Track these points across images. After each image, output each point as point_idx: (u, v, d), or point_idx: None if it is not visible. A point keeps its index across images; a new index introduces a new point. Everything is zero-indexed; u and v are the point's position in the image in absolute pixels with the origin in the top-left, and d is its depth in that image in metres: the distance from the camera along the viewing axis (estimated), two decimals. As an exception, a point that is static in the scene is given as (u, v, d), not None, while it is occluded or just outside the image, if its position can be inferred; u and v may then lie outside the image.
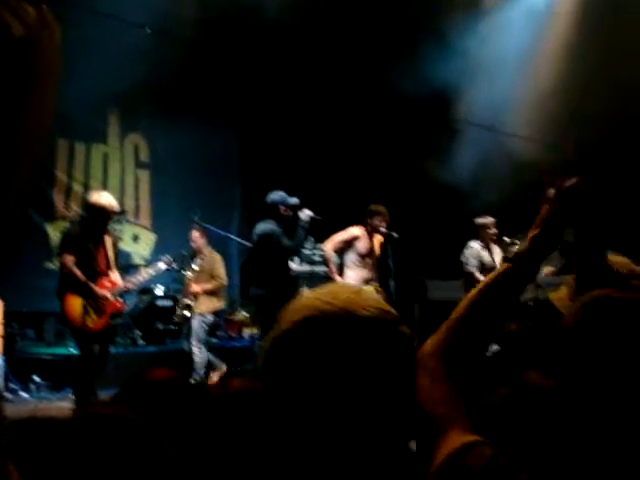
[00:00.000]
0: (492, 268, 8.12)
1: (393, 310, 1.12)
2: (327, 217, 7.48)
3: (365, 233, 7.68)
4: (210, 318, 8.19)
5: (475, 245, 8.21)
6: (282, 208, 7.07)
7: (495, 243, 8.33)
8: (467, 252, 8.20)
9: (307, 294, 1.15)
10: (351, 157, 10.57)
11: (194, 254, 8.41)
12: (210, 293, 8.30)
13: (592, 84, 8.36)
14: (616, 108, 8.35)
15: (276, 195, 7.17)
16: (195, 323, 8.03)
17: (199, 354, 7.90)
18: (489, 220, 8.23)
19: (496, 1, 9.38)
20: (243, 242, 10.26)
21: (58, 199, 9.81)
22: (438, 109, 9.87)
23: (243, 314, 10.25)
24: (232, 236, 10.15)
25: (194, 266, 8.29)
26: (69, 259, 6.23)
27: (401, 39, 9.30)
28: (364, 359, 1.02)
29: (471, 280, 8.11)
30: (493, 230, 8.20)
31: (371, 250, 7.73)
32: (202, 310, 8.12)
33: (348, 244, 7.64)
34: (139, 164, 10.77)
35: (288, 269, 7.46)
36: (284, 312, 1.12)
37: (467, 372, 1.30)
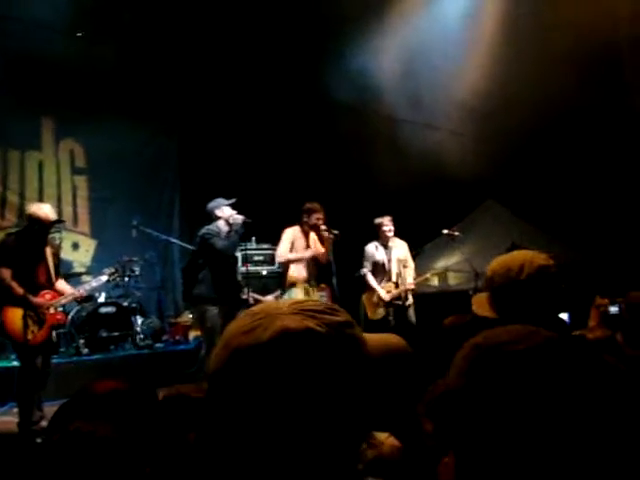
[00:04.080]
0: (384, 264, 8.39)
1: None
2: (266, 217, 7.58)
3: (301, 232, 7.74)
4: None
5: (370, 248, 8.53)
6: (217, 212, 7.24)
7: (394, 238, 8.56)
8: (364, 256, 8.55)
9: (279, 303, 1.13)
10: (287, 158, 10.64)
11: None
12: None
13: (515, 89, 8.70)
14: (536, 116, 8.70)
15: (212, 202, 7.36)
16: None
17: None
18: (385, 219, 8.49)
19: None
20: (184, 245, 10.30)
21: (-7, 209, 9.64)
22: (365, 108, 10.00)
23: (188, 317, 10.26)
24: (173, 239, 10.16)
25: None
26: (6, 272, 6.13)
27: (326, 41, 9.39)
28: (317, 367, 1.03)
29: (363, 282, 8.50)
30: (389, 227, 8.46)
31: (308, 247, 7.76)
32: None
33: (292, 245, 7.71)
34: (75, 170, 10.66)
35: (228, 270, 7.42)
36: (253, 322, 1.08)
37: None
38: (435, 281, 9.26)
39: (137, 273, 9.33)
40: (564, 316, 4.44)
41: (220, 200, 7.35)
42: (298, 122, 10.36)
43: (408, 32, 9.10)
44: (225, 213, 7.25)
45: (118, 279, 8.26)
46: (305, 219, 7.69)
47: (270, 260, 9.65)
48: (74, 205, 10.53)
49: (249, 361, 1.03)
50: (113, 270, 7.34)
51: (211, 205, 7.35)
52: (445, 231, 8.85)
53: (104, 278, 7.22)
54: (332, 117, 9.89)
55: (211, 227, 7.21)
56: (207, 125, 10.86)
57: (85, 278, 8.97)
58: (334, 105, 9.65)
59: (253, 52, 9.74)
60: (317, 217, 7.64)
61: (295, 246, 7.68)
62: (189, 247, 10.09)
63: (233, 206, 7.31)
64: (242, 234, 7.28)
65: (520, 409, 1.00)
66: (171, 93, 10.68)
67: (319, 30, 9.26)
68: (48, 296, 6.41)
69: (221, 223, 7.26)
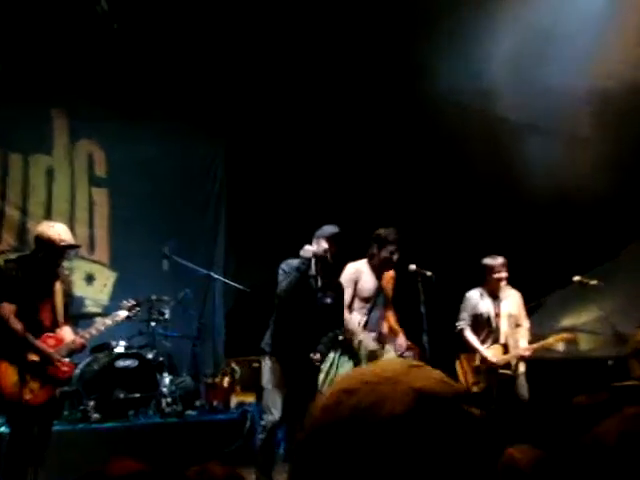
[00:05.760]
0: (489, 319, 8.40)
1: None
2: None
3: (369, 268, 7.57)
4: None
5: (472, 295, 8.41)
6: (314, 243, 6.96)
7: (506, 287, 8.44)
8: (462, 305, 8.45)
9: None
10: (358, 171, 10.62)
11: None
12: None
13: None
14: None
15: (319, 229, 7.06)
16: None
17: None
18: (497, 261, 8.28)
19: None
20: (230, 282, 10.11)
21: (-13, 228, 9.67)
22: (472, 107, 9.92)
23: (230, 376, 10.06)
24: (215, 275, 10.07)
25: None
26: (8, 309, 6.08)
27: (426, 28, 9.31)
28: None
29: (460, 338, 8.45)
30: (503, 273, 8.28)
31: (380, 289, 7.62)
32: None
33: (355, 286, 7.50)
34: (94, 180, 10.76)
35: (289, 319, 6.99)
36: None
37: None
38: (560, 346, 8.90)
39: (167, 317, 9.35)
40: None
41: (326, 228, 7.00)
42: (381, 121, 10.41)
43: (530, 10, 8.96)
44: (318, 246, 6.89)
45: (140, 320, 8.20)
46: (375, 251, 7.55)
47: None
48: (91, 226, 10.64)
49: (395, 435, 1.10)
50: (134, 303, 7.15)
51: (316, 233, 7.01)
52: (577, 278, 8.63)
53: (122, 314, 7.05)
54: (428, 116, 9.85)
55: (291, 261, 6.93)
56: (263, 129, 10.92)
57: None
58: (434, 102, 9.54)
59: (335, 38, 9.75)
60: (392, 250, 7.46)
61: (360, 287, 7.55)
62: (236, 285, 9.92)
63: (336, 238, 6.94)
64: (305, 273, 6.86)
65: None
66: (218, 86, 10.88)
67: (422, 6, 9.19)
68: (51, 341, 6.30)
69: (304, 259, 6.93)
